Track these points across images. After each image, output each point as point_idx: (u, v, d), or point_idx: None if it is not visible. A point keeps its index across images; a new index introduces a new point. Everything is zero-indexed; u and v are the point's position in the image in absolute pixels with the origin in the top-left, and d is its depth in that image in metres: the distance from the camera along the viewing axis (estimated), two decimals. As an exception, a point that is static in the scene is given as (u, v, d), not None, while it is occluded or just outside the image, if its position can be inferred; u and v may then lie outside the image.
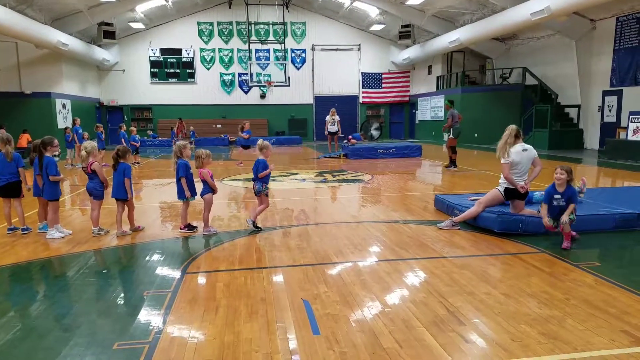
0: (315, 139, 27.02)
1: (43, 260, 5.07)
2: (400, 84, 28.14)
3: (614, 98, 16.28)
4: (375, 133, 25.95)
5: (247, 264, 4.76)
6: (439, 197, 7.28)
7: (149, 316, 3.54)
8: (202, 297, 3.91)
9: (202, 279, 4.38)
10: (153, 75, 25.80)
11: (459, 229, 5.97)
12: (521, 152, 5.59)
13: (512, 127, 5.73)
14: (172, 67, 25.87)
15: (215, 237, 5.86)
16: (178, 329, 3.32)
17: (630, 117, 13.84)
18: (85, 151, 5.93)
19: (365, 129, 26.60)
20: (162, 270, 4.62)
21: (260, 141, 6.17)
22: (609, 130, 16.20)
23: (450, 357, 2.84)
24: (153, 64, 25.70)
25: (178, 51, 25.83)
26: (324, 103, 27.13)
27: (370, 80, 27.80)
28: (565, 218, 4.85)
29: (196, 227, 6.16)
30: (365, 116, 27.89)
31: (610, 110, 16.53)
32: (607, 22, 16.19)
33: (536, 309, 3.50)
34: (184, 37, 25.68)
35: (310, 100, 27.34)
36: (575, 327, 3.19)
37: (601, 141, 16.17)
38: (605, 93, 16.63)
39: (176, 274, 4.51)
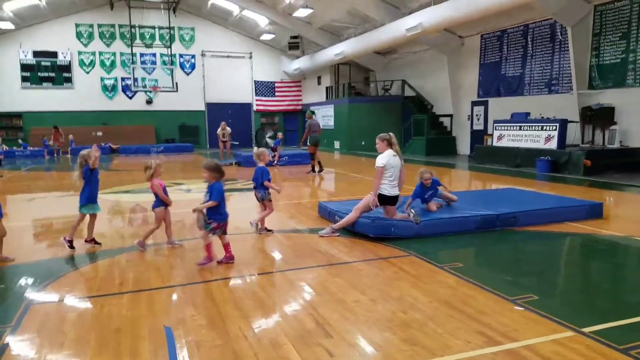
0: (208, 146, 26.23)
1: None
2: (293, 93, 28.48)
3: (482, 108, 17.98)
4: (269, 141, 25.90)
5: (107, 289, 4.28)
6: (322, 204, 7.33)
7: (-30, 362, 2.99)
8: (47, 330, 3.40)
9: (51, 309, 3.84)
10: (24, 79, 23.29)
11: (338, 235, 6.02)
12: (392, 156, 5.81)
13: (391, 134, 5.96)
14: (46, 70, 23.58)
15: (79, 258, 5.24)
16: (4, 374, 2.83)
17: (495, 125, 15.33)
18: None
19: (259, 137, 26.51)
20: (6, 302, 3.99)
21: (256, 149, 6.35)
22: (478, 137, 17.83)
23: (312, 374, 2.75)
24: (24, 67, 23.24)
25: (53, 54, 23.63)
26: (216, 110, 26.50)
27: (264, 88, 27.76)
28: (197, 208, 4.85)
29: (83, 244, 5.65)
30: (259, 124, 27.74)
31: (478, 119, 18.22)
32: (473, 39, 17.87)
33: (401, 313, 3.57)
34: (60, 39, 23.53)
35: (202, 107, 26.54)
36: (435, 330, 3.28)
37: (471, 147, 17.74)
38: (474, 103, 18.31)
39: (22, 304, 3.91)
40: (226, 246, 4.94)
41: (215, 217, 4.80)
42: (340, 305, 3.75)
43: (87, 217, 5.67)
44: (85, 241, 5.70)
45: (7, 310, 3.78)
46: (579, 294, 4.10)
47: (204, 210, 4.77)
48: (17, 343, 3.22)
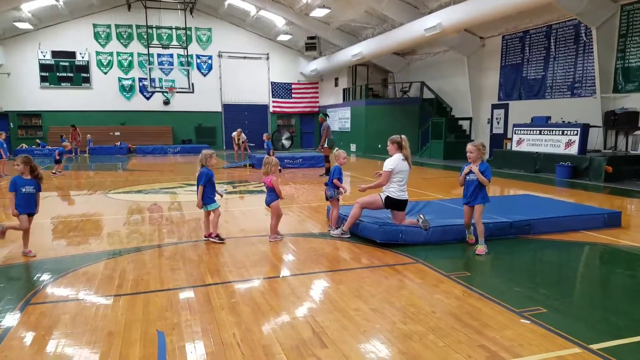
0: (225, 147, 26.34)
1: None
2: (310, 95, 28.39)
3: (502, 111, 17.58)
4: (286, 143, 25.87)
5: (105, 290, 4.24)
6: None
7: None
8: (40, 333, 3.36)
9: (46, 311, 3.80)
10: (43, 79, 23.71)
11: (348, 237, 5.92)
12: (401, 161, 5.64)
13: (403, 137, 5.78)
14: (64, 70, 23.97)
15: (79, 258, 5.22)
16: (-11, 378, 2.77)
17: (514, 129, 14.96)
18: None
19: (276, 139, 26.47)
20: (3, 302, 3.96)
21: (335, 150, 6.74)
22: (497, 141, 17.43)
23: (303, 387, 2.62)
24: (43, 67, 23.64)
25: (71, 54, 23.99)
26: (233, 111, 26.63)
27: (280, 90, 27.75)
28: None
29: (223, 240, 5.92)
30: (276, 126, 27.74)
31: (498, 123, 17.83)
32: (494, 40, 17.49)
33: (401, 324, 3.41)
34: (78, 40, 23.88)
35: (219, 108, 26.66)
36: (436, 343, 3.12)
37: (490, 152, 17.35)
38: (494, 106, 17.91)
39: (18, 305, 3.89)
40: None
41: None
42: (340, 314, 3.62)
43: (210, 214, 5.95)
44: (207, 237, 5.97)
45: (1, 313, 3.76)
46: (591, 308, 3.85)
47: None
48: (8, 345, 3.17)
